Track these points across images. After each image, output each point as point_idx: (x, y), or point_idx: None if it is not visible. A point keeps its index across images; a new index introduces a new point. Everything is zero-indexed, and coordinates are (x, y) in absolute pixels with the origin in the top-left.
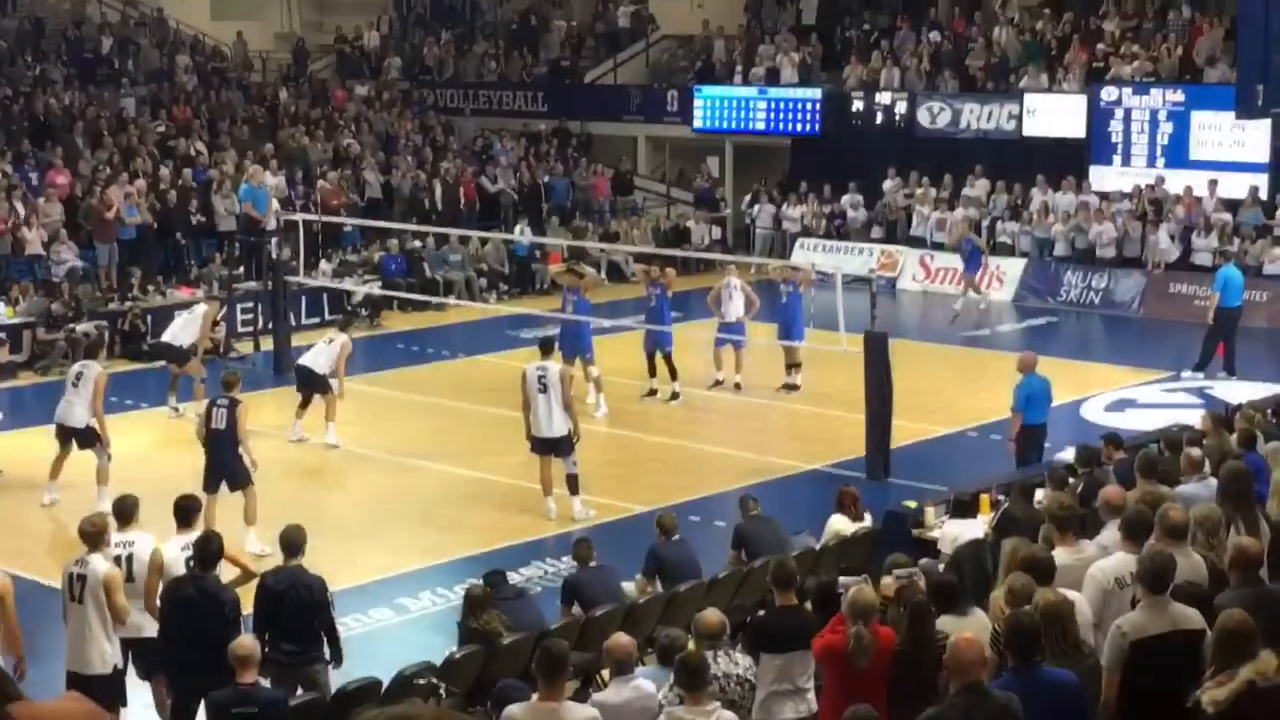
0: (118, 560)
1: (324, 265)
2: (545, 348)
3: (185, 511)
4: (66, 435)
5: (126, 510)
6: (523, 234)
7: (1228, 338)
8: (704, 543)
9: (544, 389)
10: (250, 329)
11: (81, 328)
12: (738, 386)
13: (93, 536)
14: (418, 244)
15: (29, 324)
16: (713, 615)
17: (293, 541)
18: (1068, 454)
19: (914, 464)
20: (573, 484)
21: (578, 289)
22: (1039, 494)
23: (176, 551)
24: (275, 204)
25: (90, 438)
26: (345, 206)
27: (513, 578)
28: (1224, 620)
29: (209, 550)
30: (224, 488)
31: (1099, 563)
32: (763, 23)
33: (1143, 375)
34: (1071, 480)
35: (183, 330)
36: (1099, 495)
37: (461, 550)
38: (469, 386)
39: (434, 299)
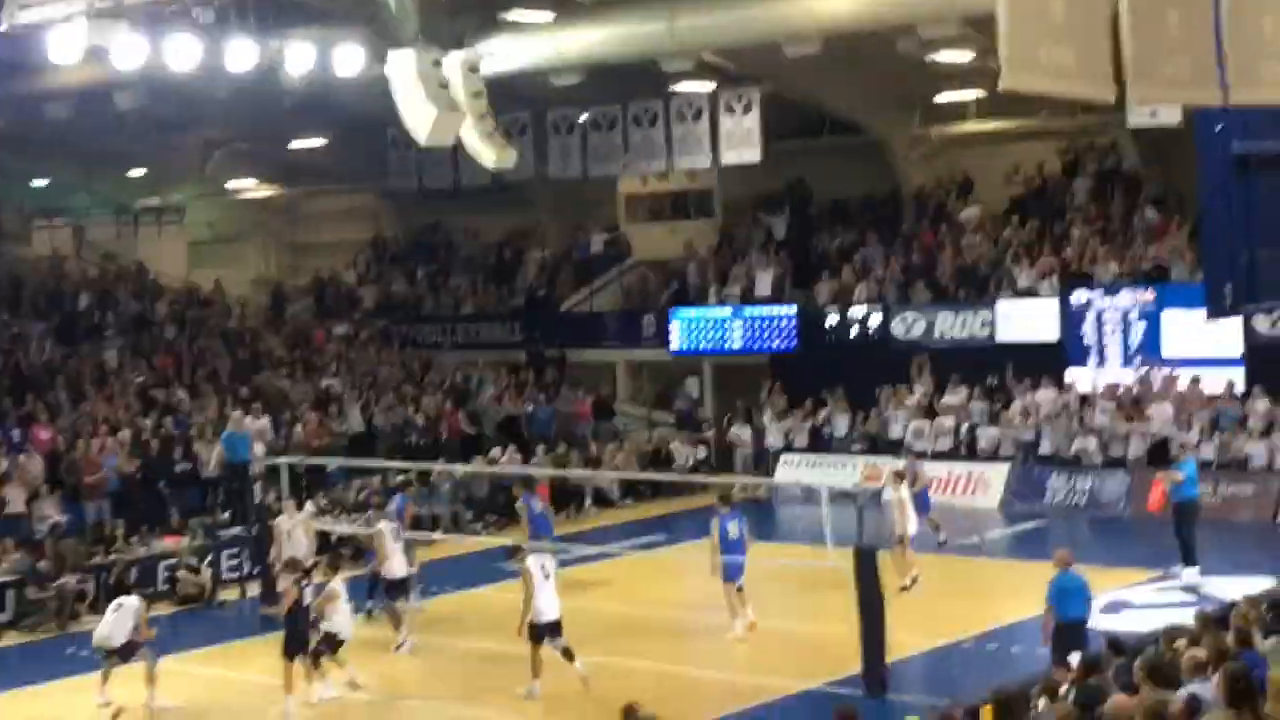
0: None
1: (309, 506)
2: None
3: None
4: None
5: None
6: (507, 460)
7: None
8: None
9: (547, 576)
10: (236, 574)
11: (56, 585)
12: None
13: None
14: (400, 479)
15: (12, 583)
16: None
17: None
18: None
19: (912, 678)
20: (570, 654)
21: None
22: (1042, 703)
23: None
24: (258, 448)
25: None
26: (327, 447)
27: None
28: None
29: None
30: None
31: None
32: (733, 242)
33: (1135, 576)
34: (1065, 687)
35: (116, 629)
36: (1107, 704)
37: None
38: (460, 623)
39: (420, 534)
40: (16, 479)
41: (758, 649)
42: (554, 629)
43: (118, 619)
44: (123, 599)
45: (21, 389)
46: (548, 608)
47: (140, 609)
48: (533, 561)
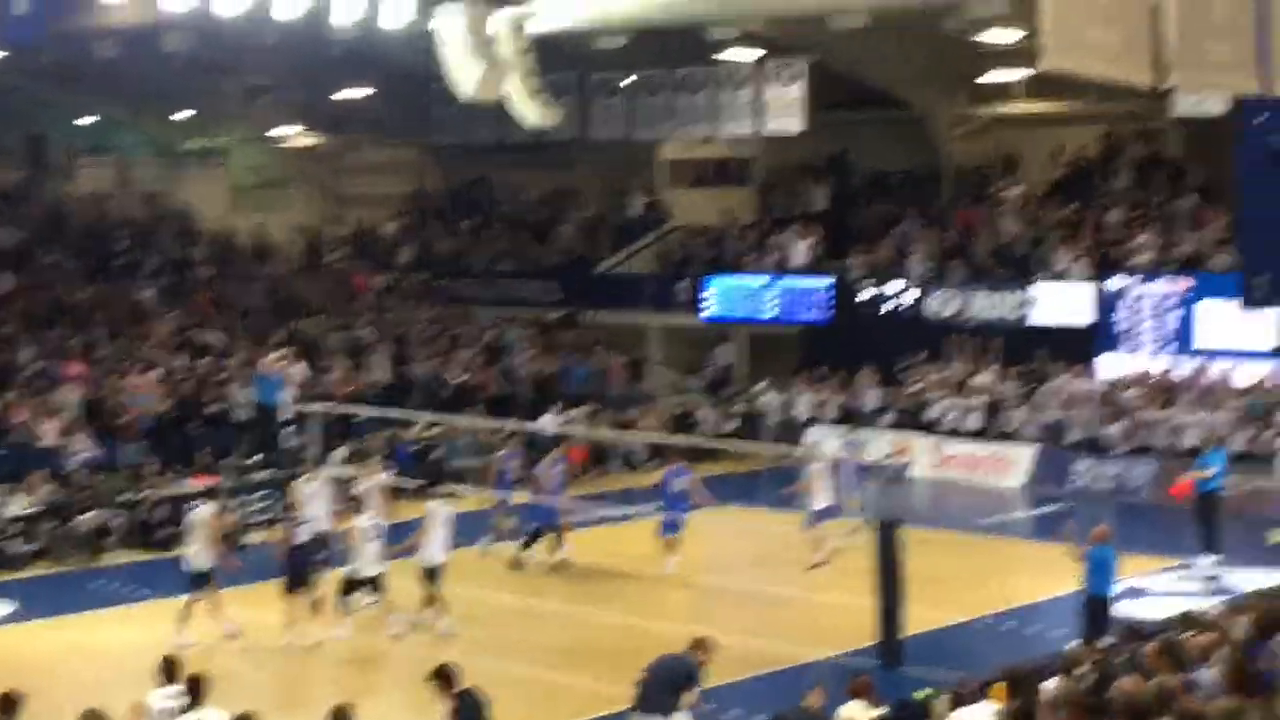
0: None
1: (336, 453)
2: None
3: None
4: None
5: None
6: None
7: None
8: None
9: (445, 523)
10: (264, 517)
11: (86, 518)
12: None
13: None
14: (430, 432)
15: (43, 514)
16: None
17: None
18: (1076, 644)
19: (927, 652)
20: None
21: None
22: (1051, 683)
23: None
24: (289, 392)
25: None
26: (356, 396)
27: None
28: None
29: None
30: None
31: None
32: (772, 211)
33: (1156, 563)
34: (1083, 669)
35: (198, 548)
36: (1116, 685)
37: None
38: (482, 575)
39: (444, 487)
40: (49, 413)
41: (773, 616)
42: (435, 573)
43: (193, 535)
44: (193, 511)
45: (58, 323)
46: (438, 553)
47: (207, 516)
48: (437, 505)
